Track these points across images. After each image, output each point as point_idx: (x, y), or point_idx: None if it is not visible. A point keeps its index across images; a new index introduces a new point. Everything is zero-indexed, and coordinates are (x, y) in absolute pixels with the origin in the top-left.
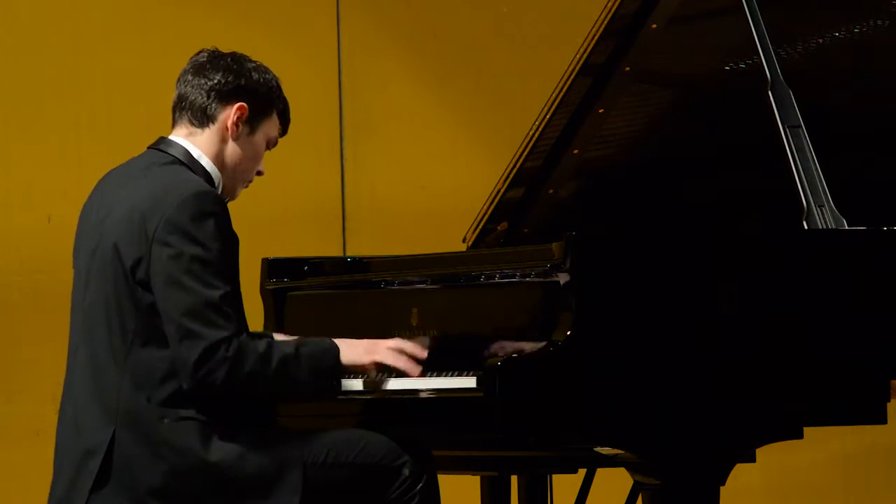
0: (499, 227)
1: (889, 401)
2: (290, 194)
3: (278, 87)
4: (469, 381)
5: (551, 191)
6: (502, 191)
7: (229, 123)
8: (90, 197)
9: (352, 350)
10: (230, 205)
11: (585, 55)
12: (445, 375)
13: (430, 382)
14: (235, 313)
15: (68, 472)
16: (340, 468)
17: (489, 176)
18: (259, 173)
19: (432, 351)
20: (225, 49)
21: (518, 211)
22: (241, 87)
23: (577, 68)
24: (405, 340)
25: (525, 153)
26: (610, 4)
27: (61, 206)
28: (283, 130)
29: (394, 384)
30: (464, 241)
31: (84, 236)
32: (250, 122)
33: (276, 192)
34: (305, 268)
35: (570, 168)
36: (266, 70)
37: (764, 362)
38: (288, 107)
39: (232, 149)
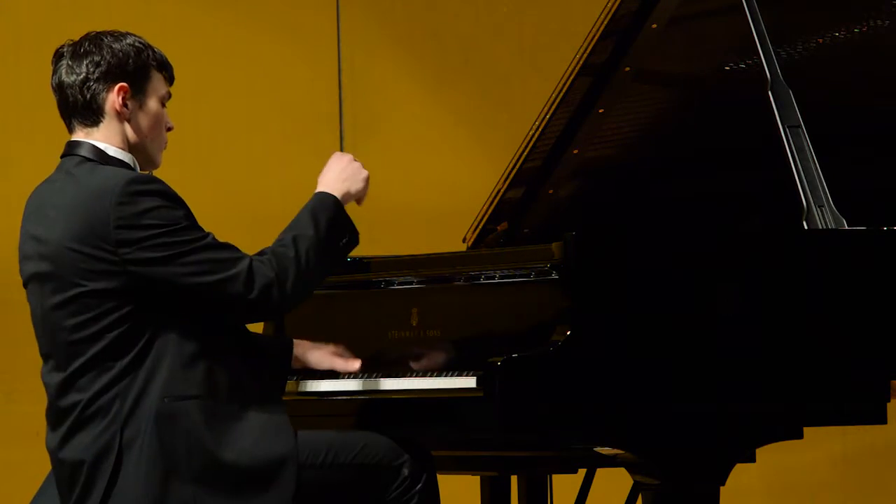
0: (499, 227)
1: (889, 401)
2: (290, 194)
3: (144, 45)
4: (469, 381)
5: (551, 191)
6: (502, 191)
7: (118, 107)
8: (25, 217)
9: (336, 186)
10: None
11: (585, 55)
12: (445, 375)
13: (430, 382)
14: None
15: (68, 487)
16: (340, 468)
17: (489, 176)
18: (169, 129)
19: (432, 350)
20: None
21: (518, 211)
22: (110, 66)
23: (577, 68)
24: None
25: (525, 153)
26: (610, 4)
27: None
28: (171, 79)
29: (393, 384)
30: (464, 241)
31: (29, 261)
32: (135, 95)
33: (276, 192)
34: None
35: (570, 168)
36: (123, 35)
37: (764, 362)
38: (163, 57)
39: (131, 129)
